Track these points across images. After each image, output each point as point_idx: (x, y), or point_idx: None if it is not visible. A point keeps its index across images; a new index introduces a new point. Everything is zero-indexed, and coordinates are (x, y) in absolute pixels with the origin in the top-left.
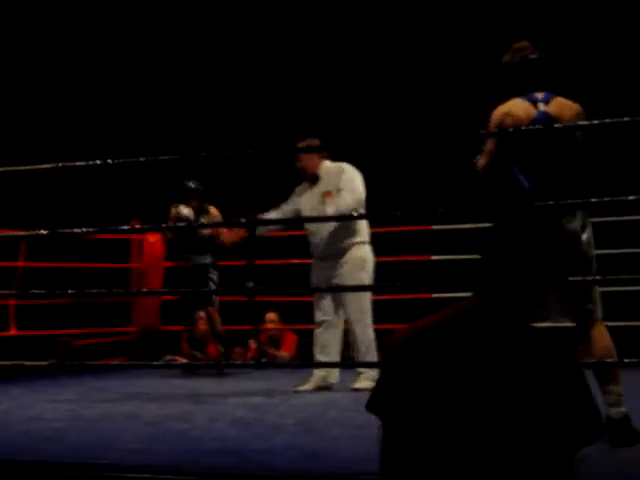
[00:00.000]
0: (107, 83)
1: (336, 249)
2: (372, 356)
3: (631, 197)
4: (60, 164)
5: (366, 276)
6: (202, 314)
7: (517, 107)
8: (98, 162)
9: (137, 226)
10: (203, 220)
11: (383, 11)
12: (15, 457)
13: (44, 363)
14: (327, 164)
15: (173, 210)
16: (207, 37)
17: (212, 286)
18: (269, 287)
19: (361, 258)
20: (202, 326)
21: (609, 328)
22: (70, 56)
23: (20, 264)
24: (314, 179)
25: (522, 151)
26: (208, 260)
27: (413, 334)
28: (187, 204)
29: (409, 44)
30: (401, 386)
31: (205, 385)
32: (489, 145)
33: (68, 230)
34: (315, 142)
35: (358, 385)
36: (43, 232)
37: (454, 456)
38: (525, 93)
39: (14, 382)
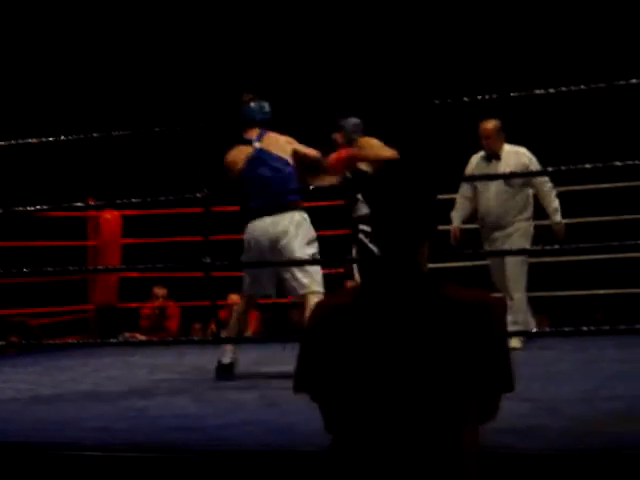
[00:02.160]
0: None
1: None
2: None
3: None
4: (13, 141)
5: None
6: (158, 289)
7: (233, 154)
8: (51, 139)
9: (92, 203)
10: None
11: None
12: None
13: (1, 343)
14: (507, 146)
15: None
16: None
17: None
18: (228, 262)
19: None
20: (159, 301)
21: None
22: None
23: None
24: (496, 158)
25: None
26: None
27: (328, 309)
28: None
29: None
30: (323, 361)
31: (164, 362)
32: None
33: (22, 208)
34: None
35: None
36: None
37: (384, 418)
38: (243, 138)
39: None
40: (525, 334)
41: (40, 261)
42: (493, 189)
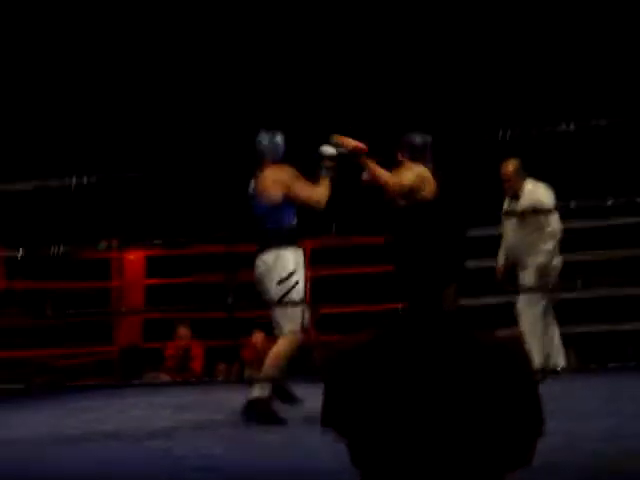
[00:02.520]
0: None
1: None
2: None
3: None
4: (37, 182)
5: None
6: (183, 330)
7: None
8: (74, 180)
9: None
10: None
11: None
12: None
13: (22, 386)
14: (528, 183)
15: None
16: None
17: None
18: (249, 302)
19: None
20: (183, 342)
21: None
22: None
23: None
24: (516, 197)
25: None
26: None
27: (355, 347)
28: None
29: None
30: (351, 398)
31: (188, 402)
32: None
33: (46, 250)
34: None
35: None
36: (20, 252)
37: (412, 458)
38: None
39: None
40: None
41: (65, 302)
42: (510, 227)
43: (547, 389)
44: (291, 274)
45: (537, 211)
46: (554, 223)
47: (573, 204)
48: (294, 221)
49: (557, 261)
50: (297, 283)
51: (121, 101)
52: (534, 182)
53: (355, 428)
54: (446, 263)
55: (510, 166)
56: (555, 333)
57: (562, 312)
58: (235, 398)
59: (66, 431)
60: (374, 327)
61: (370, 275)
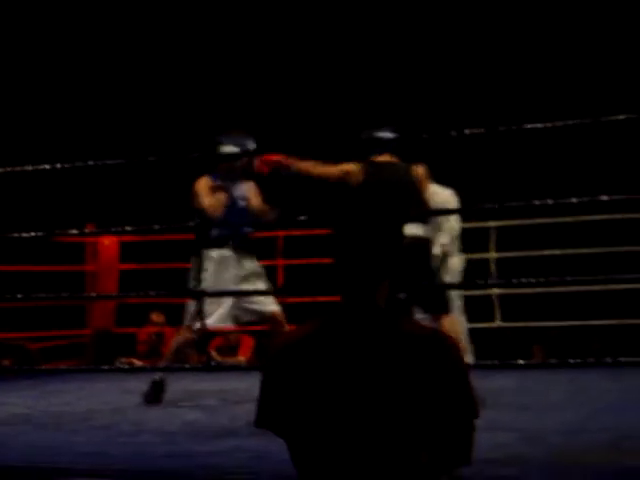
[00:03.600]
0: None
1: None
2: None
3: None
4: (12, 168)
5: None
6: (156, 315)
7: None
8: (48, 166)
9: (88, 230)
10: None
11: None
12: None
13: None
14: (433, 187)
15: None
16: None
17: None
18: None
19: None
20: (157, 327)
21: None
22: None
23: None
24: None
25: None
26: None
27: (288, 345)
28: None
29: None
30: (284, 397)
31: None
32: None
33: (21, 234)
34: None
35: None
36: None
37: (345, 453)
38: None
39: None
40: None
41: (40, 285)
42: None
43: (515, 383)
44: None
45: (439, 212)
46: (453, 221)
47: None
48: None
49: (457, 259)
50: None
51: (100, 88)
52: (438, 186)
53: (290, 425)
54: (383, 259)
55: (419, 170)
56: (463, 329)
57: (529, 307)
58: (202, 384)
59: (36, 414)
60: (308, 321)
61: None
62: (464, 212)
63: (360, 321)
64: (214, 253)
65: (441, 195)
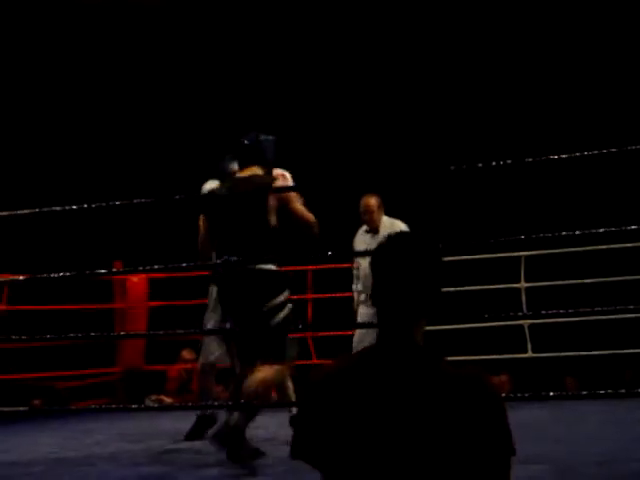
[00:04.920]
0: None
1: None
2: None
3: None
4: (39, 209)
5: None
6: (186, 353)
7: None
8: (74, 207)
9: (116, 269)
10: None
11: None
12: None
13: (24, 408)
14: (385, 219)
15: None
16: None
17: None
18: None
19: None
20: (187, 365)
21: None
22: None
23: (2, 307)
24: (375, 232)
25: None
26: None
27: (326, 379)
28: None
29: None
30: (321, 430)
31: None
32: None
33: (46, 275)
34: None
35: None
36: (20, 278)
37: None
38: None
39: None
40: None
41: (68, 324)
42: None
43: (549, 414)
44: None
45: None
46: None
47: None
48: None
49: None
50: None
51: (124, 127)
52: (390, 218)
53: (326, 459)
54: (422, 296)
55: (372, 199)
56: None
57: (560, 337)
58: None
59: (66, 454)
60: (347, 355)
61: None
62: (492, 244)
63: (399, 358)
64: (212, 289)
65: (395, 226)
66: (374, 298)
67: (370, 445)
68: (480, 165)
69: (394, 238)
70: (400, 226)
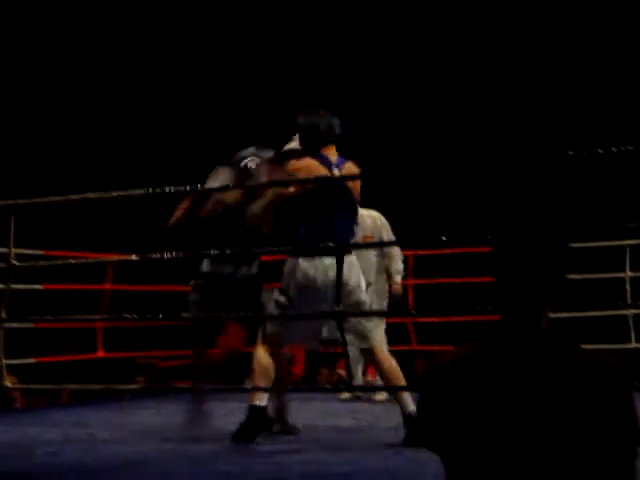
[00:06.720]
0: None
1: None
2: None
3: None
4: (150, 190)
5: None
6: None
7: (315, 169)
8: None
9: None
10: None
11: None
12: None
13: (132, 386)
14: (362, 210)
15: None
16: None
17: None
18: None
19: None
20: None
21: None
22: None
23: (108, 287)
24: None
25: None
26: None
27: (448, 365)
28: None
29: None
30: (444, 417)
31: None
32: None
33: (155, 255)
34: None
35: None
36: (134, 257)
37: (508, 477)
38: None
39: (99, 404)
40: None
41: (169, 305)
42: None
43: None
44: None
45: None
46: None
47: None
48: None
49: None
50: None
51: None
52: (366, 209)
53: (449, 445)
54: (550, 281)
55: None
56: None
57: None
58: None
59: (169, 436)
60: (472, 341)
61: (473, 285)
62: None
63: (525, 344)
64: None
65: (367, 219)
66: (498, 283)
67: (494, 431)
68: (600, 151)
69: (522, 221)
70: (378, 217)
